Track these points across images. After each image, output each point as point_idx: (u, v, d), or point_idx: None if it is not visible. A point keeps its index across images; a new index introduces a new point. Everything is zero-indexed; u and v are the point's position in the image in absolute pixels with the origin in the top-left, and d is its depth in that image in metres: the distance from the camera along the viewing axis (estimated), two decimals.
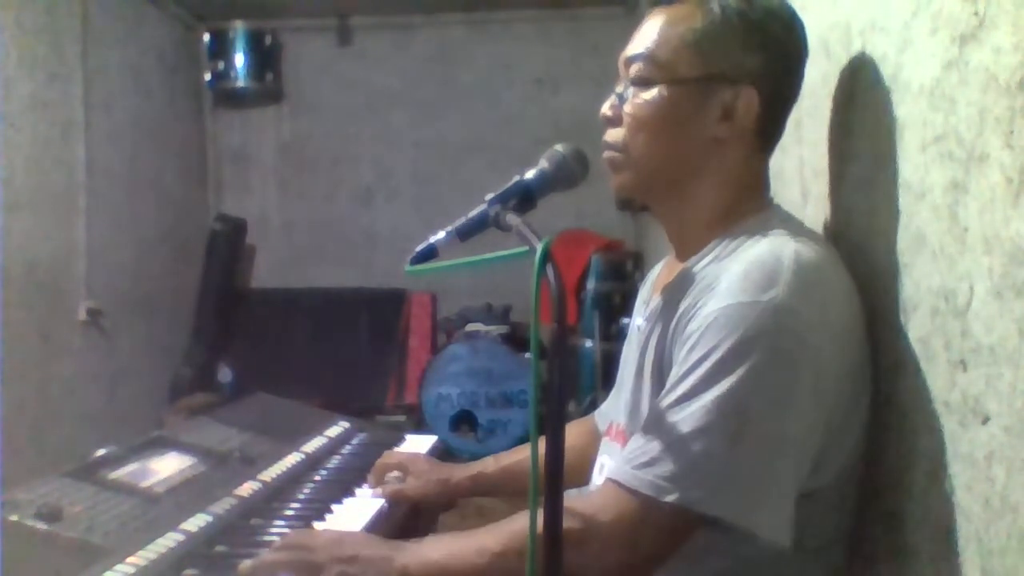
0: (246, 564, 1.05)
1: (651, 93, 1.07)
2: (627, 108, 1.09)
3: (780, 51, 1.09)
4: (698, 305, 0.99)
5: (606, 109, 1.12)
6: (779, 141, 1.15)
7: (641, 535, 0.95)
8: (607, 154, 1.12)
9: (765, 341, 0.93)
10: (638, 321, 1.24)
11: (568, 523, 0.85)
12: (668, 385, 0.98)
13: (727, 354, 0.93)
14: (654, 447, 0.95)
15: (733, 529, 0.93)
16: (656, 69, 1.07)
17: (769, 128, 1.11)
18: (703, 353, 0.95)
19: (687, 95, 1.07)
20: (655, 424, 0.97)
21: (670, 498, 0.92)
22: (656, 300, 1.16)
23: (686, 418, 0.94)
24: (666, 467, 0.93)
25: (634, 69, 1.09)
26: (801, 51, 1.11)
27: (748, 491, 0.92)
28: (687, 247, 1.12)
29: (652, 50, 1.08)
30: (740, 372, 0.92)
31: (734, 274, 0.98)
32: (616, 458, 1.11)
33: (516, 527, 0.98)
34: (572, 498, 0.94)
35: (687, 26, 1.06)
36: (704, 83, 1.06)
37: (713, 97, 1.06)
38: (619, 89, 1.12)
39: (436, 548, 1.04)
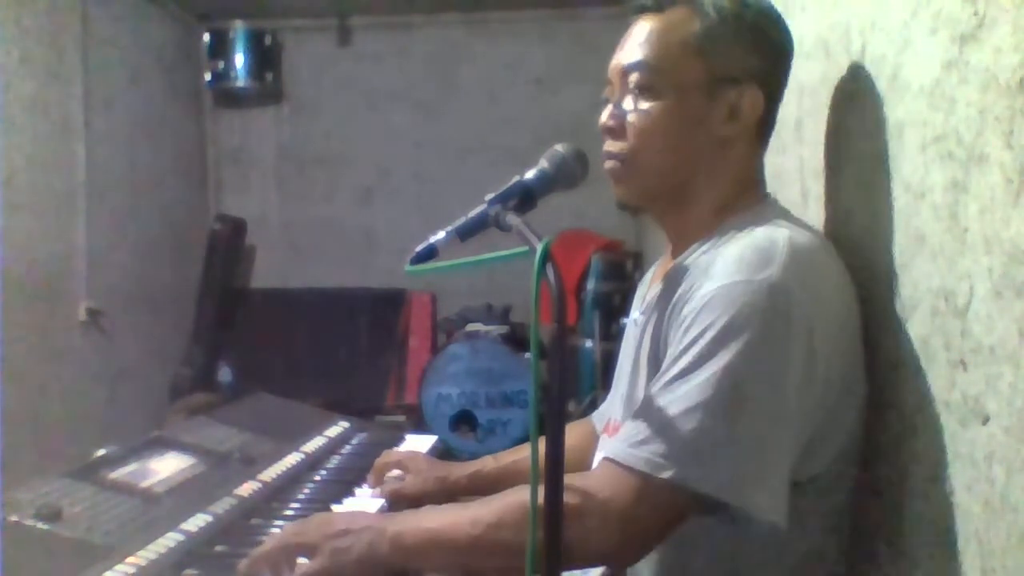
0: (244, 563, 1.05)
1: (658, 102, 1.08)
2: (631, 119, 1.09)
3: (775, 49, 1.11)
4: (693, 288, 1.00)
5: (606, 119, 1.12)
6: (771, 137, 1.16)
7: (636, 512, 0.94)
8: (609, 164, 1.12)
9: (759, 318, 0.93)
10: (634, 315, 1.24)
11: (564, 499, 0.85)
12: (664, 365, 0.99)
13: (721, 332, 0.94)
14: (650, 425, 0.95)
15: (728, 509, 0.92)
16: (659, 77, 1.08)
17: (768, 124, 1.13)
18: (698, 332, 0.95)
19: (694, 99, 1.07)
20: (651, 403, 0.97)
21: (665, 475, 0.92)
22: (653, 291, 1.16)
23: (681, 396, 0.94)
24: (662, 445, 0.93)
25: (634, 79, 1.09)
26: (791, 48, 1.14)
27: (744, 469, 0.92)
28: (686, 241, 1.13)
29: (652, 58, 1.08)
30: (735, 349, 0.93)
31: (729, 257, 0.99)
32: None
33: (512, 500, 0.98)
34: (569, 475, 0.94)
35: (685, 31, 1.07)
36: (711, 86, 1.07)
37: (720, 98, 1.07)
38: (614, 98, 1.12)
39: (430, 517, 1.04)
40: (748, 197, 1.11)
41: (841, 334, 1.00)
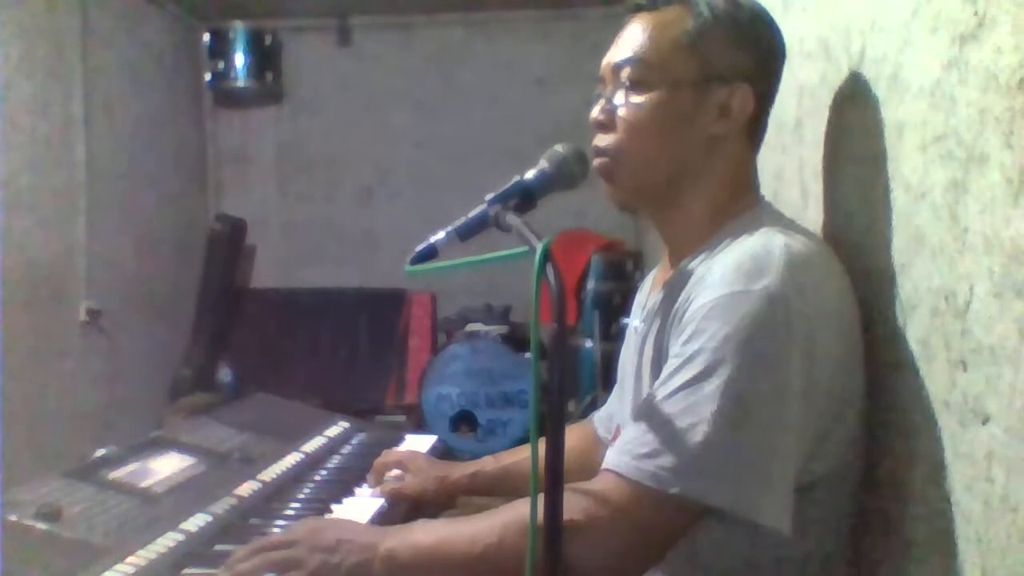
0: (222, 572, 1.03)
1: (649, 96, 1.08)
2: (622, 113, 1.09)
3: (767, 50, 1.12)
4: (692, 298, 1.00)
5: (597, 114, 1.12)
6: (763, 139, 1.16)
7: (644, 526, 0.94)
8: (599, 161, 1.12)
9: (758, 328, 0.93)
10: (635, 323, 1.24)
11: (568, 515, 0.85)
12: (664, 374, 0.99)
13: (722, 344, 0.94)
14: (654, 437, 0.95)
15: (734, 519, 0.93)
16: (651, 72, 1.08)
17: (760, 125, 1.13)
18: (699, 344, 0.95)
19: (686, 96, 1.08)
20: (653, 414, 0.97)
21: (674, 490, 0.92)
22: (653, 299, 1.16)
23: (685, 409, 0.94)
24: (668, 458, 0.93)
25: (626, 73, 1.09)
26: (783, 51, 1.14)
27: (749, 480, 0.93)
28: (683, 247, 1.13)
29: (644, 54, 1.08)
30: (736, 361, 0.93)
31: (726, 267, 0.99)
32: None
33: (513, 517, 0.97)
34: (571, 487, 0.94)
35: (679, 29, 1.08)
36: (702, 83, 1.07)
37: (710, 96, 1.08)
38: (606, 94, 1.12)
39: (426, 533, 1.02)
40: (742, 200, 1.12)
41: (841, 339, 1.00)
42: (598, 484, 0.98)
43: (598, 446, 1.39)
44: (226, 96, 4.37)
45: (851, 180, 1.17)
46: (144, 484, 1.32)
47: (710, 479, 0.92)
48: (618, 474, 0.96)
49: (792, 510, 0.94)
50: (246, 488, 1.38)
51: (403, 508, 1.41)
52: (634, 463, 0.95)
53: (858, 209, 1.14)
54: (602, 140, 1.12)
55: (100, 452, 1.45)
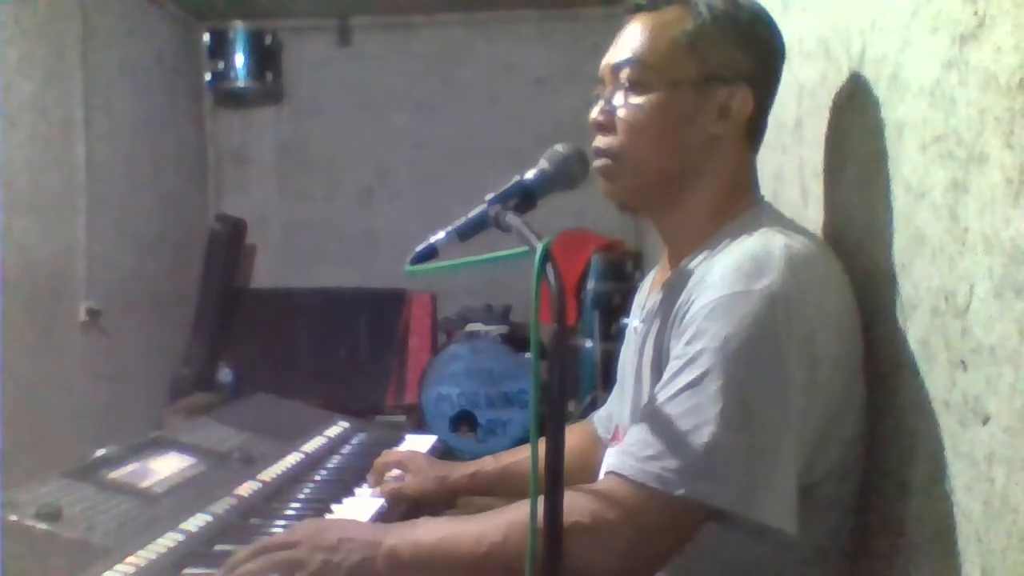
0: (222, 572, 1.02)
1: (648, 97, 1.08)
2: (621, 114, 1.09)
3: (767, 51, 1.12)
4: (692, 299, 1.00)
5: (596, 115, 1.12)
6: (763, 139, 1.16)
7: (651, 528, 0.94)
8: (599, 162, 1.12)
9: (759, 329, 0.94)
10: (635, 323, 1.24)
11: (573, 517, 0.85)
12: (666, 376, 0.98)
13: (723, 344, 0.94)
14: (658, 439, 0.95)
15: (739, 520, 0.93)
16: (650, 72, 1.08)
17: (759, 125, 1.13)
18: (700, 345, 0.95)
19: (685, 97, 1.08)
20: (656, 416, 0.97)
21: (679, 492, 0.92)
22: (653, 299, 1.17)
23: (688, 410, 0.94)
24: (673, 460, 0.93)
25: (626, 74, 1.09)
26: (782, 52, 1.14)
27: (753, 481, 0.93)
28: (682, 247, 1.13)
29: (644, 54, 1.08)
30: (738, 362, 0.93)
31: (726, 267, 0.99)
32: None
33: (518, 516, 0.96)
34: (576, 490, 0.94)
35: (678, 29, 1.08)
36: (702, 84, 1.07)
37: (710, 97, 1.08)
38: (605, 94, 1.12)
39: (429, 531, 1.02)
40: (742, 201, 1.12)
41: (841, 339, 1.00)
42: (603, 486, 0.98)
43: (598, 446, 1.39)
44: (226, 96, 4.37)
45: (851, 180, 1.17)
46: (144, 484, 1.32)
47: (714, 480, 0.92)
48: (623, 476, 0.96)
49: (796, 510, 0.94)
50: (246, 488, 1.38)
51: (403, 508, 1.41)
52: (639, 465, 0.95)
53: (858, 209, 1.14)
54: (602, 141, 1.12)
55: (100, 452, 1.45)
